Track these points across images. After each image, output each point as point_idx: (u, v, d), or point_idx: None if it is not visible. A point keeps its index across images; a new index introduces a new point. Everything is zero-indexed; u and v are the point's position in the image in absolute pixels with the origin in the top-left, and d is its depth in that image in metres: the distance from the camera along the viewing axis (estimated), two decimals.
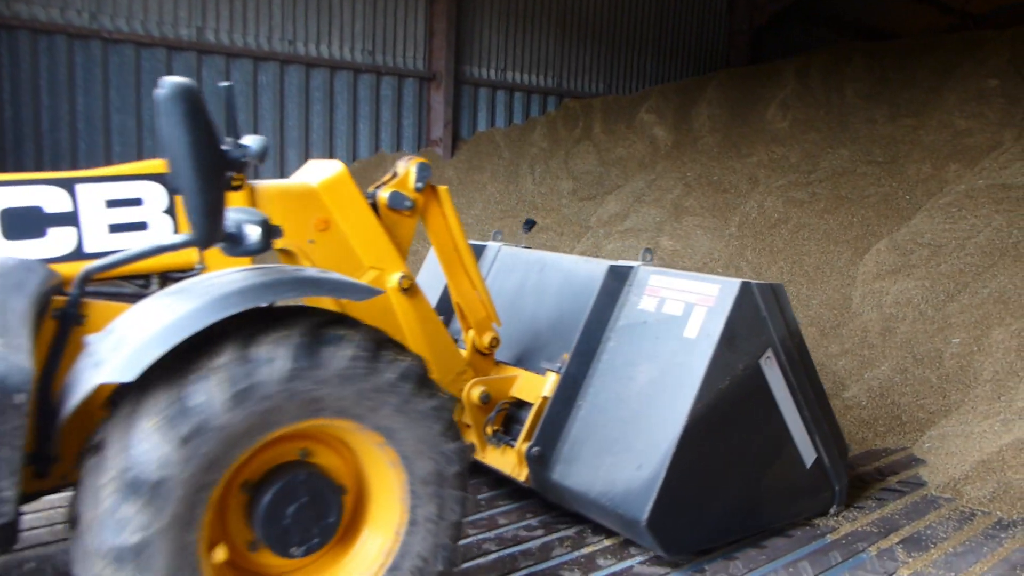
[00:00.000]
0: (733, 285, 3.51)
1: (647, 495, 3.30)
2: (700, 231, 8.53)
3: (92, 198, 2.75)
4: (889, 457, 4.97)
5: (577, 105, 12.28)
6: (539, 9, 12.30)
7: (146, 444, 2.07)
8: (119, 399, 2.20)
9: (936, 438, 5.06)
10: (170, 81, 2.20)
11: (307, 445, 2.54)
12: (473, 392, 3.78)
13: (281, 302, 2.38)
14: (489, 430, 3.88)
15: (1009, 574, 3.45)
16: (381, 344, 2.43)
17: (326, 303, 3.09)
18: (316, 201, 3.26)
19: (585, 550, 3.58)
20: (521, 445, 3.74)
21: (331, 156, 10.40)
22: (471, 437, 3.96)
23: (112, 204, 2.78)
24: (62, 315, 2.54)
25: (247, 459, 2.35)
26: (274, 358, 2.21)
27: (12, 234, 2.62)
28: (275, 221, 2.64)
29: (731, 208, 8.78)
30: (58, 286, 2.63)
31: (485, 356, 4.02)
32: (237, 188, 2.81)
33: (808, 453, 3.82)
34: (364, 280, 3.32)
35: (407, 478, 2.56)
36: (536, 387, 3.85)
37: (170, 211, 2.85)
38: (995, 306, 6.07)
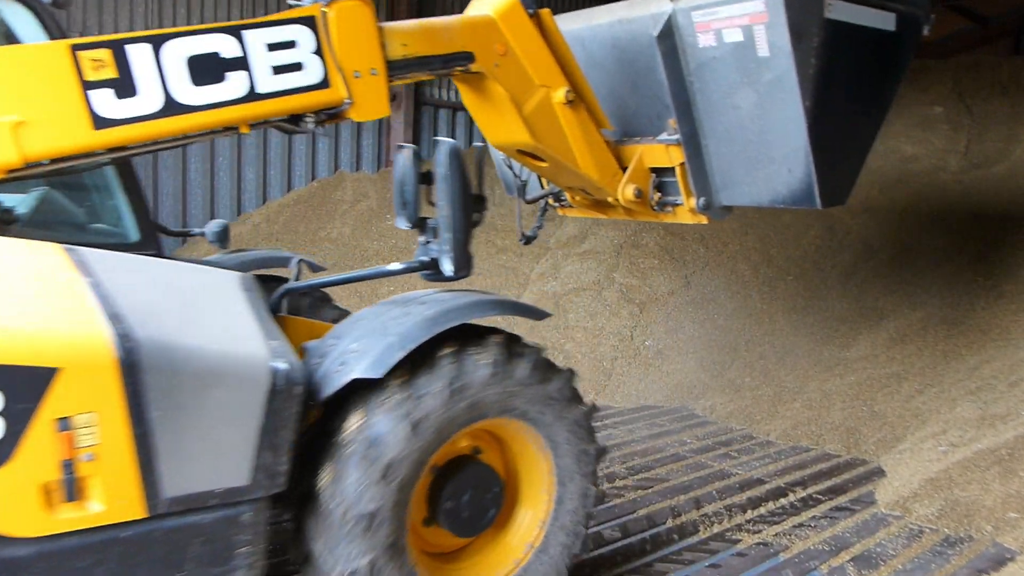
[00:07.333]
0: None
1: (809, 186, 3.80)
2: (659, 250, 8.63)
3: (256, 43, 2.95)
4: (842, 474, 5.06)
5: None
6: None
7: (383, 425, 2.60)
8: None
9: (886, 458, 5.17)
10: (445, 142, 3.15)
11: (478, 444, 3.09)
12: (627, 191, 4.26)
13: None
14: (654, 203, 4.36)
15: None
16: (546, 360, 3.03)
17: None
18: (496, 30, 3.62)
19: None
20: (688, 201, 4.26)
21: (289, 175, 10.36)
22: (639, 216, 4.55)
23: (272, 48, 3.00)
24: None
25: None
26: (480, 364, 2.80)
27: (198, 80, 2.83)
28: (467, 48, 3.41)
29: (686, 229, 8.90)
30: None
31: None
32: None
33: None
34: (535, 98, 3.75)
35: (555, 470, 3.14)
36: (663, 155, 4.25)
37: (318, 52, 3.06)
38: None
